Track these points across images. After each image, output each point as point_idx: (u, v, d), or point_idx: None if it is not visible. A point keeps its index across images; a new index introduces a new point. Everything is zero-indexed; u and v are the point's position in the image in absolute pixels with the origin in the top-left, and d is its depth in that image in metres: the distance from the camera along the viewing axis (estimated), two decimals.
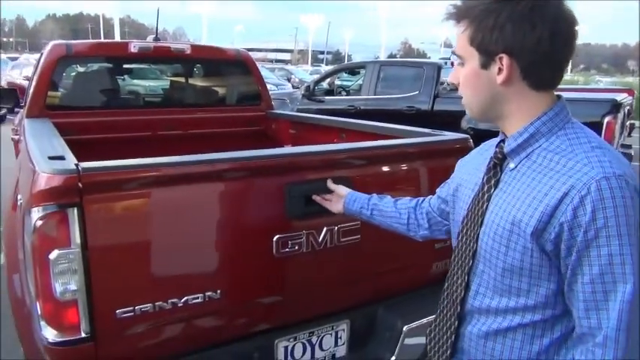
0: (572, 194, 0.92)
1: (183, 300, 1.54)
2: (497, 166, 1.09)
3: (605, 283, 0.91)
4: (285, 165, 1.76)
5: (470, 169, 1.21)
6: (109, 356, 1.47)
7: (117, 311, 1.44)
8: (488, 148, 1.19)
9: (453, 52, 1.10)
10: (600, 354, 0.91)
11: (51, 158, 1.48)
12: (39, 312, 1.40)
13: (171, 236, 1.53)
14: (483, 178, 1.11)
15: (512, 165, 1.05)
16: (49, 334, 1.39)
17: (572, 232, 0.92)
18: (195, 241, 1.59)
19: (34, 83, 3.11)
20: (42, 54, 3.32)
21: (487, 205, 1.07)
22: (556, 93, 1.06)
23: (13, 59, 17.09)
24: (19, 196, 1.65)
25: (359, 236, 1.83)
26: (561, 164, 0.96)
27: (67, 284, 1.37)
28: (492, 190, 1.07)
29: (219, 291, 1.61)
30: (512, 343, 1.04)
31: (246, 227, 1.68)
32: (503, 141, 1.08)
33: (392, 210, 1.51)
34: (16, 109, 3.79)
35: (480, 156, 1.21)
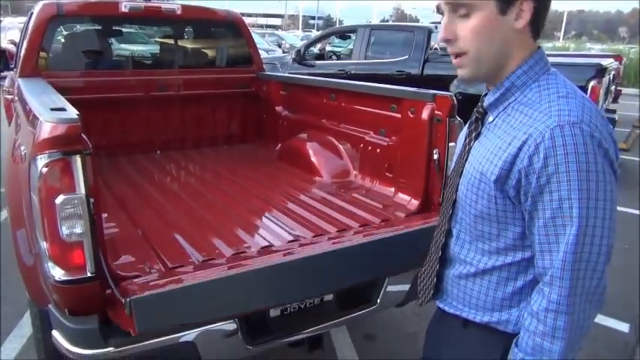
0: (529, 142, 0.96)
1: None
2: (478, 120, 1.14)
3: (557, 226, 0.96)
4: None
5: (465, 130, 1.26)
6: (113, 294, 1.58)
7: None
8: None
9: (449, 3, 1.02)
10: (547, 292, 0.98)
11: (53, 109, 1.55)
12: (47, 254, 1.50)
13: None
14: (466, 132, 1.18)
15: (490, 118, 1.10)
16: (57, 273, 1.49)
17: (528, 179, 0.97)
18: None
19: (25, 43, 3.12)
20: (32, 13, 3.32)
21: (467, 157, 1.13)
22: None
23: None
24: (22, 147, 1.73)
25: None
26: (528, 115, 1.00)
27: (73, 227, 1.47)
28: (473, 142, 1.13)
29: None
30: (488, 284, 1.11)
31: None
32: (486, 95, 1.12)
33: None
34: (2, 74, 3.80)
35: None
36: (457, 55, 1.05)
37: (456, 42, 1.03)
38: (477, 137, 1.13)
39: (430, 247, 1.28)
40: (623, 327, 3.01)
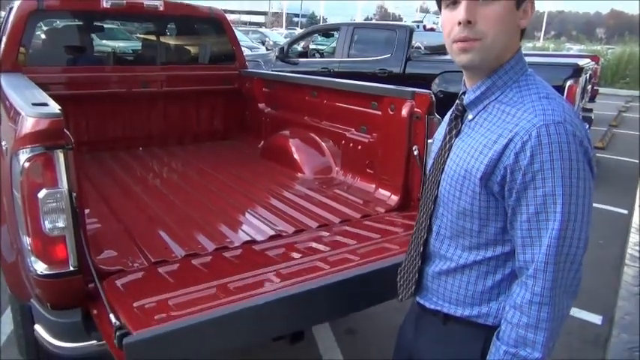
0: (516, 140, 0.99)
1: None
2: (458, 117, 1.15)
3: (540, 221, 0.99)
4: None
5: (442, 127, 1.29)
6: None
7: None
8: None
9: None
10: (531, 285, 1.00)
11: (34, 104, 1.56)
12: (30, 248, 1.50)
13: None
14: (446, 129, 1.20)
15: (470, 116, 1.12)
16: (40, 267, 1.50)
17: (513, 175, 1.00)
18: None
19: (5, 38, 3.09)
20: (11, 8, 3.28)
21: (448, 154, 1.14)
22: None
23: None
24: (3, 143, 1.72)
25: None
26: (511, 114, 1.03)
27: (56, 222, 1.48)
28: (453, 140, 1.14)
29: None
30: (468, 279, 1.13)
31: None
32: (464, 93, 1.14)
33: None
34: None
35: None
36: (471, 40, 1.03)
37: (475, 25, 1.02)
38: (457, 134, 1.15)
39: (410, 243, 1.29)
40: (596, 319, 3.10)
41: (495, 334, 1.08)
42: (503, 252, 1.09)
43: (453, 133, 1.17)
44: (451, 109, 1.22)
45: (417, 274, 1.24)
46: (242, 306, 1.47)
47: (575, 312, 3.07)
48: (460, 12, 1.02)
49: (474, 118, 1.12)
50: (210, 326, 1.40)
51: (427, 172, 1.29)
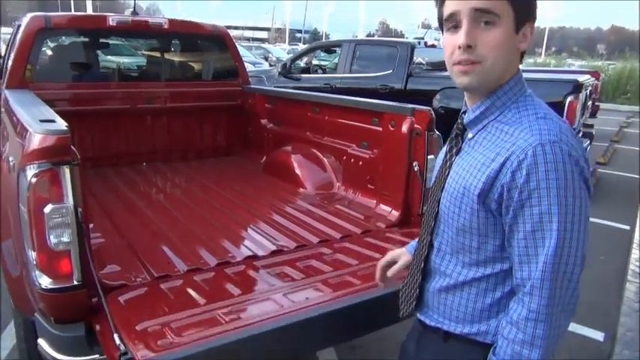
0: (512, 159, 1.01)
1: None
2: (458, 136, 1.18)
3: (536, 239, 1.00)
4: None
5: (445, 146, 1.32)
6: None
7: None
8: None
9: (479, 9, 1.03)
10: (527, 301, 1.02)
11: (42, 121, 1.60)
12: (35, 262, 1.53)
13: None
14: (447, 148, 1.23)
15: (470, 135, 1.15)
16: (44, 281, 1.52)
17: (510, 193, 1.02)
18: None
19: (13, 55, 3.15)
20: (19, 26, 3.35)
21: (449, 172, 1.16)
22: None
23: None
24: (10, 158, 1.76)
25: None
26: (509, 134, 1.05)
27: (61, 236, 1.50)
28: (454, 158, 1.17)
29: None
30: (468, 296, 1.14)
31: None
32: (465, 112, 1.16)
33: None
34: None
35: None
36: (471, 62, 1.05)
37: (475, 49, 1.04)
38: (457, 153, 1.17)
39: (413, 259, 1.31)
40: (598, 336, 3.09)
41: (492, 349, 1.09)
42: (502, 269, 1.11)
43: (454, 151, 1.19)
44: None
45: (417, 290, 1.26)
46: (242, 335, 1.47)
47: (577, 328, 3.06)
48: (460, 37, 1.05)
49: (473, 137, 1.14)
50: (211, 354, 1.41)
51: (430, 188, 1.30)
